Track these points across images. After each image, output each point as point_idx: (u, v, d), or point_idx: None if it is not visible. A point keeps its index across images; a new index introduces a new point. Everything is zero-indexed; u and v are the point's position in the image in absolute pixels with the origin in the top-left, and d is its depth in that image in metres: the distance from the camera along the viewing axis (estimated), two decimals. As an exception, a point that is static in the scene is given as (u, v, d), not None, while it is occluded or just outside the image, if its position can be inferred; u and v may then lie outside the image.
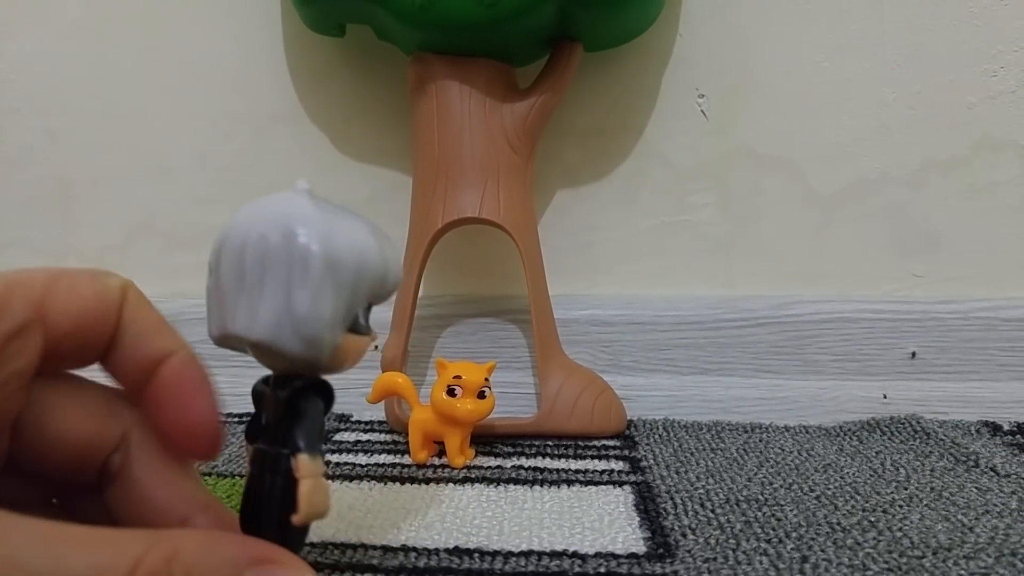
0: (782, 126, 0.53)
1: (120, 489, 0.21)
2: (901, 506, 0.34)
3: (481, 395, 0.40)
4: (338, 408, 0.52)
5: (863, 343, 0.52)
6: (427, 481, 0.39)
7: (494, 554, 0.30)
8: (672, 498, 0.36)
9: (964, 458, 0.41)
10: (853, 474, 0.39)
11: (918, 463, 0.41)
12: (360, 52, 0.54)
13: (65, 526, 0.16)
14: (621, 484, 0.38)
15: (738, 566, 0.29)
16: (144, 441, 0.22)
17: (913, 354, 0.51)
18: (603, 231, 0.54)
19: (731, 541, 0.31)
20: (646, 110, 0.53)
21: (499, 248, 0.53)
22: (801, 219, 0.53)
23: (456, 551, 0.30)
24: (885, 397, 0.51)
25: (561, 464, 0.41)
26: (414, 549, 0.30)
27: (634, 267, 0.55)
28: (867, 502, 0.35)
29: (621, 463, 0.41)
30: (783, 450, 0.43)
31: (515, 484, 0.38)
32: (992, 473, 0.39)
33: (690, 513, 0.34)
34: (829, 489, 0.37)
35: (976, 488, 0.37)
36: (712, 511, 0.34)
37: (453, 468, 0.41)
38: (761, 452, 0.43)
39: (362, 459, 0.42)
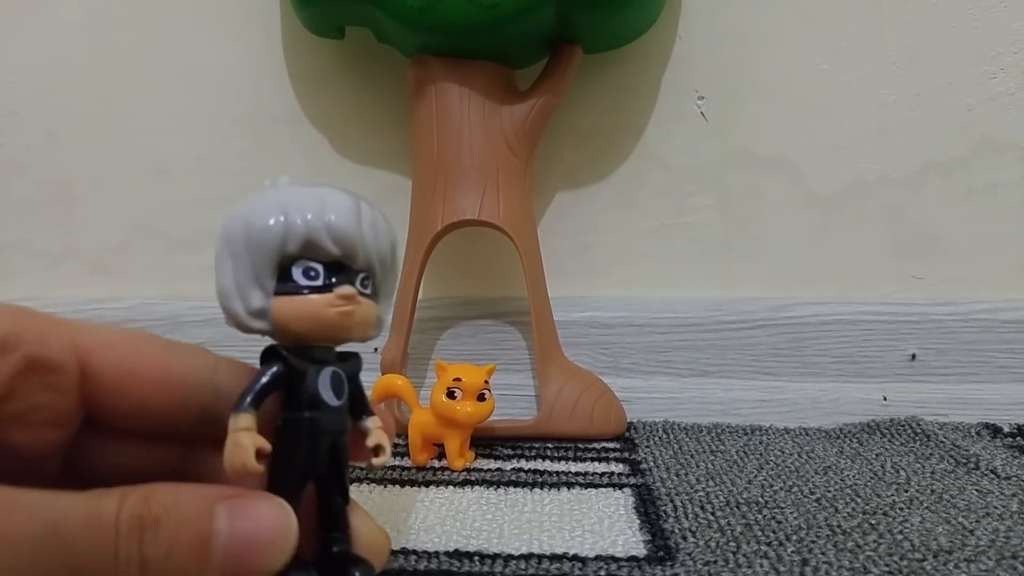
0: (781, 128, 0.53)
1: None
2: (901, 508, 0.34)
3: (481, 397, 0.40)
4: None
5: (863, 345, 0.52)
6: (427, 484, 0.38)
7: (494, 557, 0.30)
8: (672, 500, 0.36)
9: (964, 460, 0.41)
10: (853, 476, 0.39)
11: (918, 465, 0.41)
12: (359, 54, 0.54)
13: (53, 490, 0.18)
14: (621, 486, 0.38)
15: (739, 569, 0.29)
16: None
17: (913, 356, 0.51)
18: (602, 233, 0.54)
19: (731, 544, 0.31)
20: (645, 112, 0.53)
21: (498, 250, 0.53)
22: (800, 221, 0.53)
23: (456, 554, 0.30)
24: (885, 399, 0.51)
25: (561, 466, 0.41)
26: (414, 552, 0.30)
27: (634, 269, 0.55)
28: (867, 504, 0.35)
29: (621, 465, 0.41)
30: (783, 452, 0.43)
31: (515, 487, 0.38)
32: (992, 475, 0.39)
33: (690, 516, 0.34)
34: (829, 491, 0.37)
35: (977, 490, 0.37)
36: (712, 513, 0.34)
37: (453, 470, 0.41)
38: (761, 454, 0.43)
39: (362, 462, 0.42)
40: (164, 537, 0.18)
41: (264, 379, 0.22)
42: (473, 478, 0.39)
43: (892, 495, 0.36)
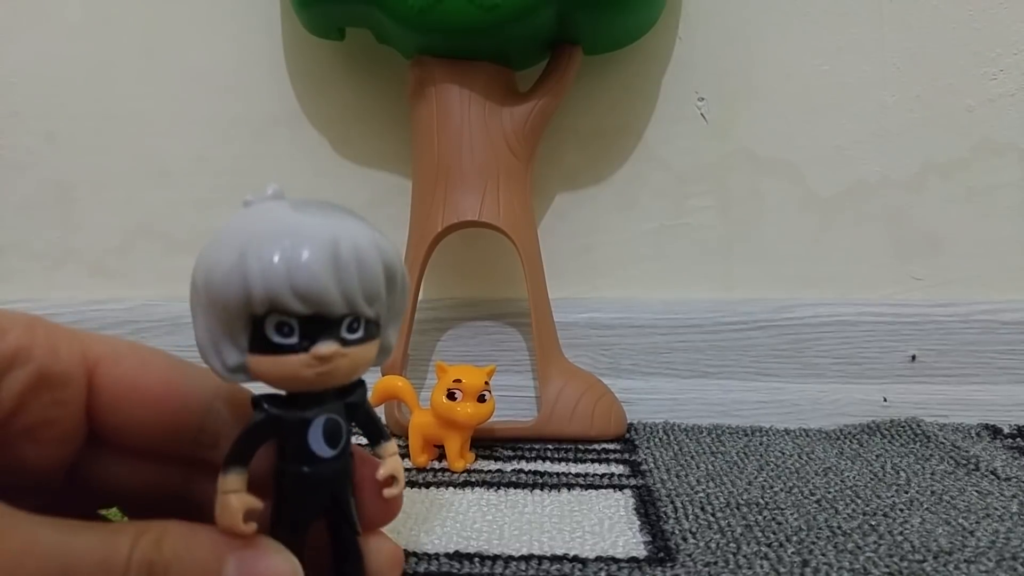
0: (782, 129, 0.53)
1: None
2: (902, 510, 0.34)
3: (481, 399, 0.40)
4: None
5: (863, 346, 0.52)
6: (427, 485, 0.38)
7: (494, 558, 0.30)
8: (672, 502, 0.36)
9: (964, 461, 0.41)
10: (853, 477, 0.39)
11: (918, 466, 0.41)
12: (360, 56, 0.54)
13: (67, 519, 0.18)
14: (621, 488, 0.38)
15: (739, 570, 0.29)
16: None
17: (913, 357, 0.51)
18: (603, 234, 0.54)
19: (732, 545, 0.31)
20: (646, 113, 0.53)
21: (499, 251, 0.53)
22: (801, 222, 0.53)
23: (456, 555, 0.30)
24: (885, 400, 0.51)
25: (561, 468, 0.41)
26: (414, 554, 0.30)
27: (634, 270, 0.55)
28: (867, 506, 0.35)
29: (621, 467, 0.41)
30: (783, 453, 0.43)
31: (515, 488, 0.38)
32: (992, 476, 0.39)
33: (690, 517, 0.34)
34: (829, 493, 0.37)
35: (977, 491, 0.37)
36: (712, 515, 0.34)
37: (453, 472, 0.41)
38: (761, 455, 0.43)
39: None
40: None
41: (247, 437, 0.21)
42: (473, 479, 0.39)
43: (892, 496, 0.36)
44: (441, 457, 0.42)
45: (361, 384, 0.23)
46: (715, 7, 0.52)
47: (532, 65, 0.50)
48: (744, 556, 0.30)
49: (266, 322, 0.20)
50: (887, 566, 0.29)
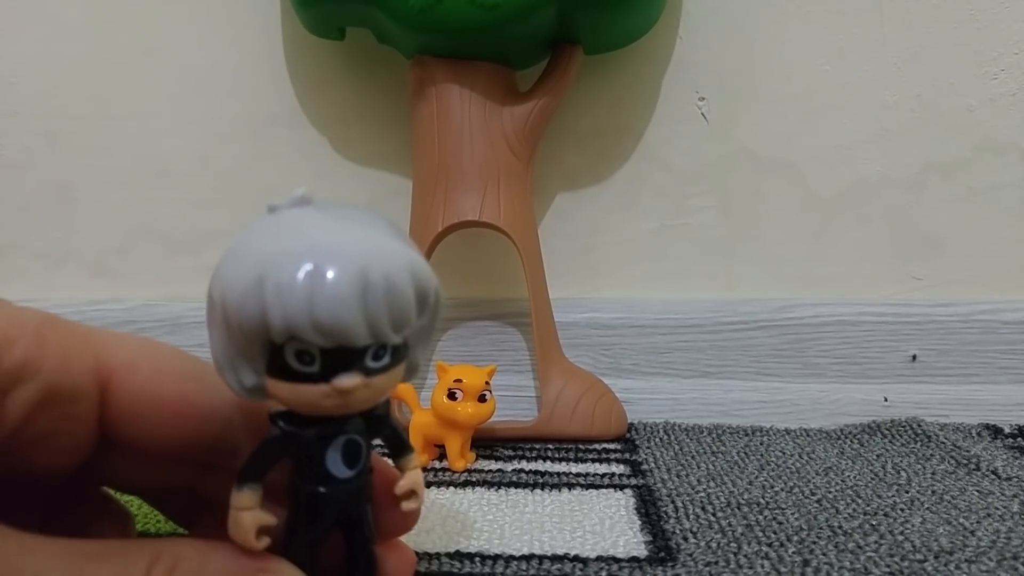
0: (782, 129, 0.53)
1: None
2: (902, 509, 0.34)
3: (482, 398, 0.40)
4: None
5: (864, 346, 0.52)
6: (427, 485, 0.38)
7: (495, 558, 0.30)
8: (673, 501, 0.36)
9: (965, 461, 0.41)
10: (854, 477, 0.39)
11: (919, 466, 0.41)
12: (360, 56, 0.54)
13: (80, 542, 0.18)
14: (622, 487, 0.38)
15: (740, 570, 0.29)
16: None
17: (914, 357, 0.51)
18: (603, 234, 0.54)
19: (732, 545, 0.31)
20: (646, 113, 0.53)
21: (499, 251, 0.53)
22: (801, 222, 0.53)
23: (457, 555, 0.30)
24: (886, 400, 0.51)
25: (562, 468, 0.41)
26: (415, 553, 0.30)
27: (634, 270, 0.55)
28: (868, 505, 0.35)
29: (622, 466, 0.41)
30: (784, 453, 0.43)
31: (516, 488, 0.38)
32: (993, 476, 0.39)
33: (691, 517, 0.34)
34: (830, 492, 0.37)
35: (977, 491, 0.37)
36: (713, 514, 0.34)
37: (454, 472, 0.41)
38: (762, 455, 0.43)
39: (362, 463, 0.42)
40: None
41: (262, 453, 0.20)
42: (474, 479, 0.39)
43: (893, 496, 0.36)
44: (442, 457, 0.42)
45: (385, 401, 0.22)
46: (716, 7, 0.52)
47: (532, 65, 0.50)
48: (745, 556, 0.30)
49: (285, 349, 0.18)
50: (888, 566, 0.29)
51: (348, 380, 0.18)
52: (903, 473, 0.39)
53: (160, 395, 0.21)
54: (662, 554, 0.30)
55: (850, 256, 0.53)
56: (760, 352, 0.52)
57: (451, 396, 0.39)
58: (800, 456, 0.43)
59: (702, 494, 0.37)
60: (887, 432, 0.46)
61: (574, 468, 0.41)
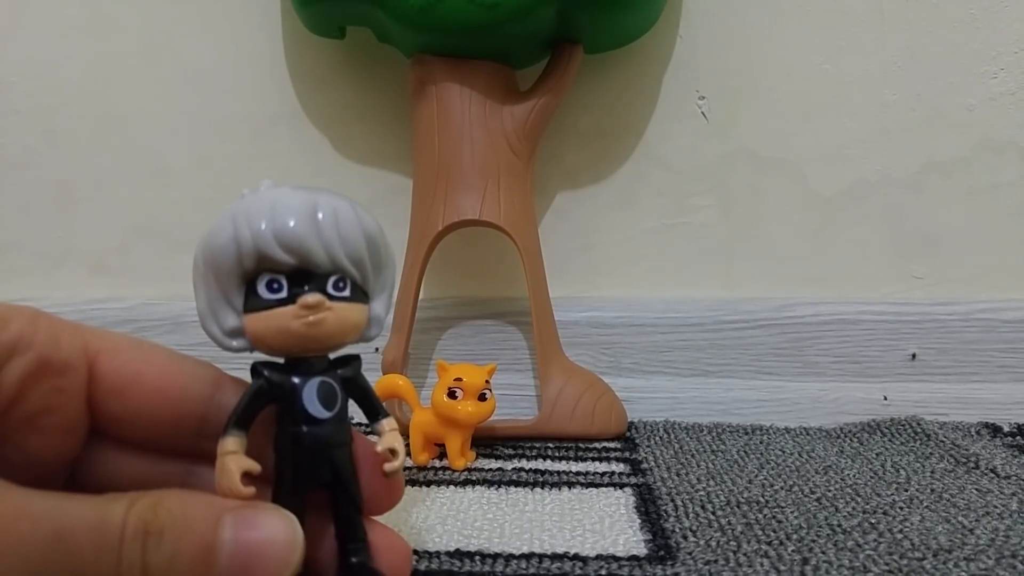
0: (782, 128, 0.53)
1: None
2: (901, 508, 0.34)
3: (482, 397, 0.40)
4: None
5: (863, 345, 0.52)
6: (428, 483, 0.39)
7: (495, 556, 0.30)
8: (673, 500, 0.36)
9: (964, 460, 0.41)
10: (854, 476, 0.39)
11: (918, 465, 0.41)
12: (360, 54, 0.54)
13: (63, 492, 0.18)
14: (622, 486, 0.38)
15: (739, 568, 0.29)
16: None
17: (913, 356, 0.51)
18: (603, 233, 0.54)
19: (732, 543, 0.31)
20: (646, 112, 0.53)
21: (499, 250, 0.53)
22: (801, 221, 0.53)
23: (457, 554, 0.30)
24: (885, 399, 0.51)
25: (562, 466, 0.41)
26: (415, 552, 0.30)
27: (634, 269, 0.55)
28: (867, 504, 0.35)
29: (622, 465, 0.41)
30: (784, 452, 0.43)
31: (516, 486, 0.38)
32: (992, 475, 0.39)
33: (691, 515, 0.34)
34: (830, 491, 0.37)
35: (976, 490, 0.37)
36: (713, 513, 0.34)
37: (454, 470, 0.41)
38: (762, 454, 0.43)
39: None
40: (168, 545, 0.18)
41: (246, 399, 0.22)
42: (474, 478, 0.39)
43: (892, 494, 0.36)
44: (442, 456, 0.42)
45: (356, 358, 0.24)
46: (716, 6, 0.52)
47: (533, 64, 0.50)
48: (744, 554, 0.30)
49: (257, 281, 0.21)
50: (887, 564, 0.29)
51: (311, 296, 0.21)
52: (902, 471, 0.39)
53: (145, 372, 0.22)
54: (662, 552, 0.30)
55: (850, 255, 0.53)
56: (760, 351, 0.52)
57: (451, 395, 0.39)
58: (800, 455, 0.43)
59: (702, 493, 0.37)
60: (887, 431, 0.46)
61: (574, 467, 0.41)
